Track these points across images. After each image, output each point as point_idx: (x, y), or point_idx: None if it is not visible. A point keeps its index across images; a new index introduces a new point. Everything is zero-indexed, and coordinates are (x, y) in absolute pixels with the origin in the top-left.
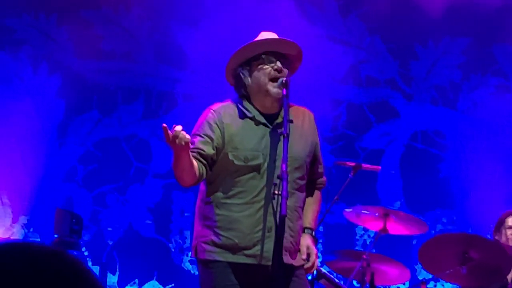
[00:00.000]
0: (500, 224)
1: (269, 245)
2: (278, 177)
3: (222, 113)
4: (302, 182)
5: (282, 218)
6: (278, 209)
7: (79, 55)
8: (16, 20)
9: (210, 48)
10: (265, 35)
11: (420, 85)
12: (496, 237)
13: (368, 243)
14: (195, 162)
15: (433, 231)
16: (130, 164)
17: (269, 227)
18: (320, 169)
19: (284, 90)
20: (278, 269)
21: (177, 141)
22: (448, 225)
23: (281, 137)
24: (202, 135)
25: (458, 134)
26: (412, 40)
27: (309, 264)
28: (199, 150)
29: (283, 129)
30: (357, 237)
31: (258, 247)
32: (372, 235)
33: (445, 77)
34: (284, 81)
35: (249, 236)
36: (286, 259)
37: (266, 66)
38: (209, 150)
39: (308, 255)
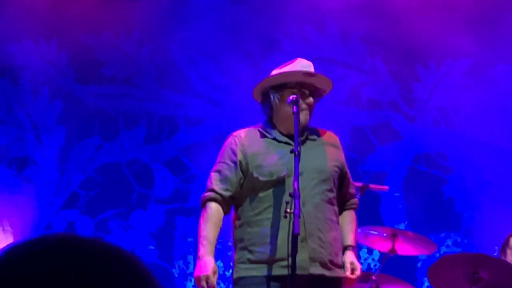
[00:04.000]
0: (505, 245)
1: (304, 255)
2: (290, 195)
3: (243, 136)
4: (332, 195)
5: (295, 236)
6: (309, 220)
7: (80, 80)
8: (16, 46)
9: (212, 72)
10: (301, 62)
11: (422, 107)
12: (502, 257)
13: (372, 266)
14: (218, 215)
15: (437, 254)
16: (132, 189)
17: (302, 237)
18: (351, 190)
19: (295, 107)
20: (309, 279)
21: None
22: (453, 247)
23: (298, 153)
24: (227, 162)
25: (461, 156)
26: (413, 62)
27: (353, 277)
28: (226, 176)
29: (299, 147)
30: (361, 261)
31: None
32: (376, 258)
33: (447, 98)
34: (294, 99)
35: (283, 248)
36: (316, 269)
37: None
38: (236, 174)
39: (353, 270)
